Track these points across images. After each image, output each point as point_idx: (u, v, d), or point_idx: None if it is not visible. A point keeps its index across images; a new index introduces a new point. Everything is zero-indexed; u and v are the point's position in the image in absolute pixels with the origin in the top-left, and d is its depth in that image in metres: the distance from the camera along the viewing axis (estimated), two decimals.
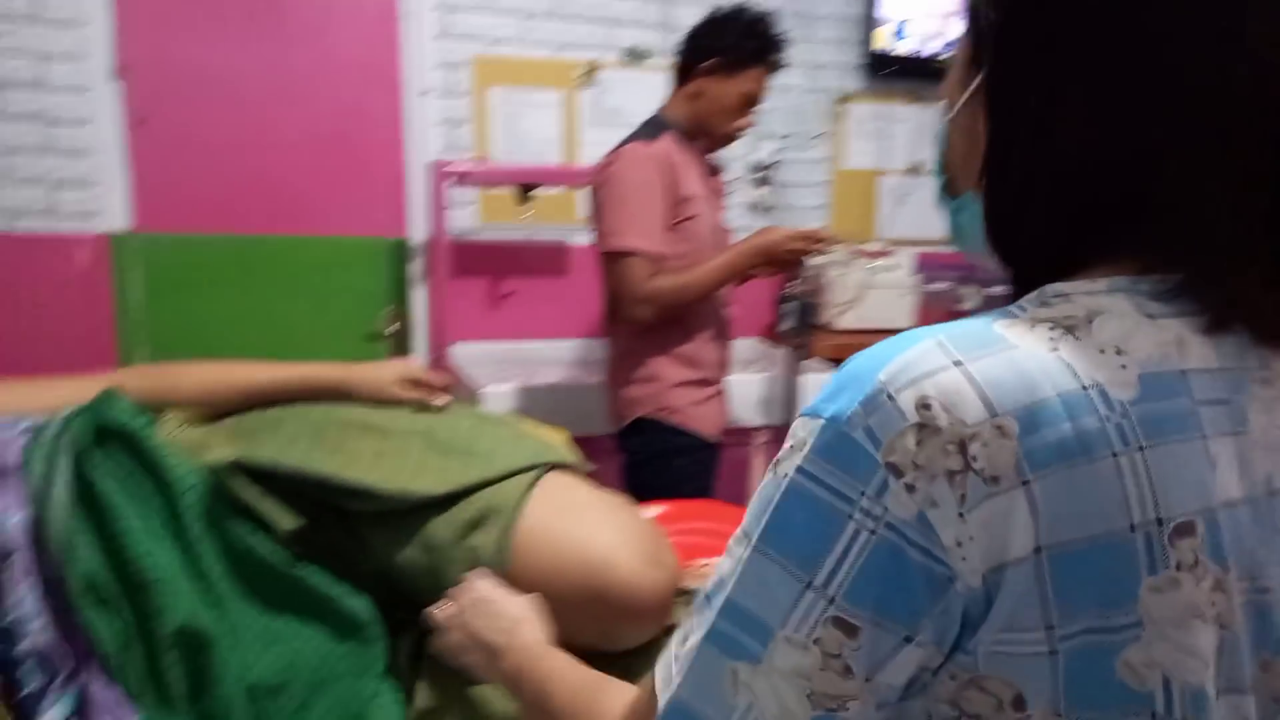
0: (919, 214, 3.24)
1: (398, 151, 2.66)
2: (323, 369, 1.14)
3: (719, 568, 0.53)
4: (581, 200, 2.82)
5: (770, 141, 3.03)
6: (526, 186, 2.48)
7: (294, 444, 0.95)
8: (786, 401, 2.30)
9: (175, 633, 0.81)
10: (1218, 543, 0.48)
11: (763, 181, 3.15)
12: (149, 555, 0.83)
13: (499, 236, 2.77)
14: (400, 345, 2.77)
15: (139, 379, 1.06)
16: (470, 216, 2.72)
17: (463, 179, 2.38)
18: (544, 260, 2.87)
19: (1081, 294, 0.51)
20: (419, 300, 2.76)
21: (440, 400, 1.14)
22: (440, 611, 0.85)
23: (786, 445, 0.51)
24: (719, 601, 0.52)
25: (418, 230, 2.72)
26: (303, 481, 0.91)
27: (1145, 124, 0.50)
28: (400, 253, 2.73)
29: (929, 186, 3.17)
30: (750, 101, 1.93)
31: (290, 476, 0.91)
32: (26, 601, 0.79)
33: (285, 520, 0.90)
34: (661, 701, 0.53)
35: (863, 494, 0.47)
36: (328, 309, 2.71)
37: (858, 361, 0.50)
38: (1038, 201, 0.53)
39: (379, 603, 0.92)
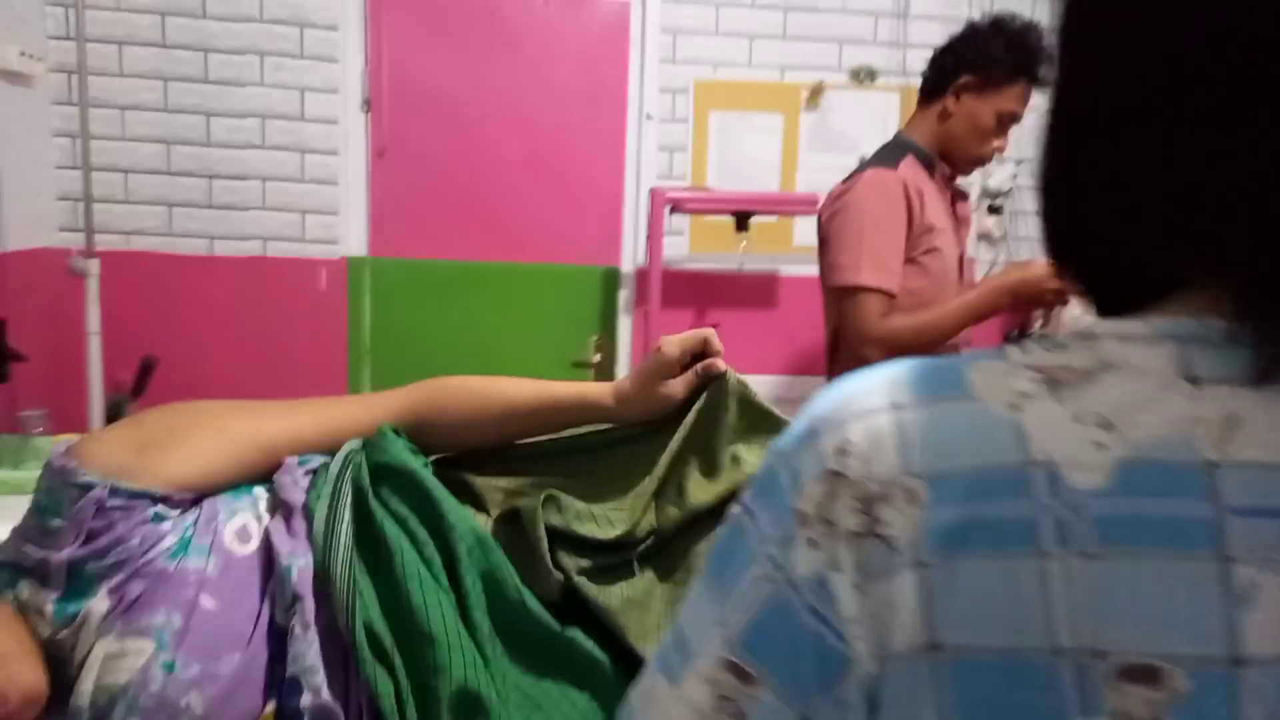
0: None
1: (618, 178, 2.65)
2: (598, 391, 0.98)
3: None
4: (799, 229, 2.70)
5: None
6: (743, 215, 2.38)
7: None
8: None
9: (454, 695, 0.76)
10: (1219, 712, 0.34)
11: (994, 209, 2.91)
12: (434, 607, 0.79)
13: (709, 267, 2.70)
14: (604, 374, 2.76)
15: (417, 398, 1.02)
16: (680, 245, 2.67)
17: (678, 206, 2.32)
18: (754, 291, 2.77)
19: (1112, 337, 0.39)
20: (624, 329, 2.74)
21: (717, 363, 0.94)
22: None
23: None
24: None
25: (629, 258, 2.70)
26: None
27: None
28: (611, 280, 2.72)
29: None
30: (1008, 121, 1.74)
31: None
32: (310, 653, 0.76)
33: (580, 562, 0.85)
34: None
35: (773, 539, 0.42)
36: (537, 334, 2.74)
37: (821, 394, 0.45)
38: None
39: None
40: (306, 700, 0.74)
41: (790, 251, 2.73)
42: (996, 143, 1.76)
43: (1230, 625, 0.35)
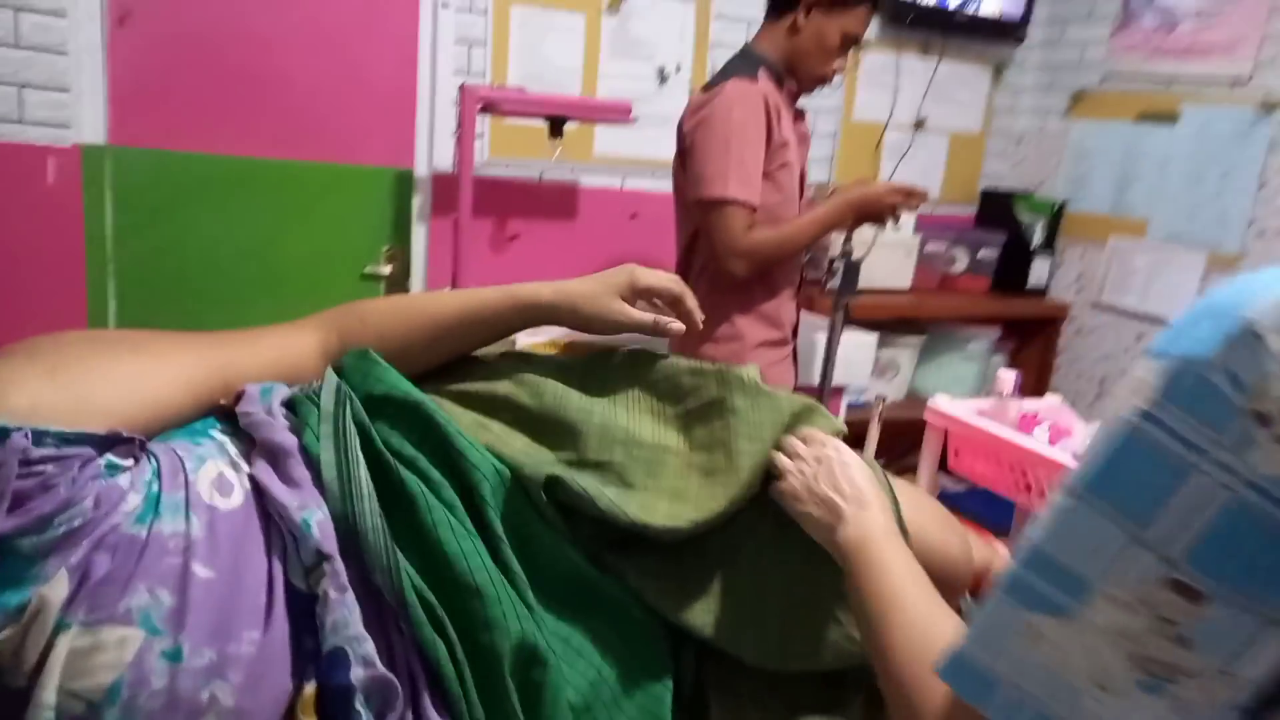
0: (920, 171, 3.20)
1: (410, 70, 2.40)
2: (531, 289, 0.91)
3: (1040, 516, 0.49)
4: (600, 138, 2.64)
5: None
6: (557, 120, 2.28)
7: (602, 473, 0.80)
8: (828, 363, 2.22)
9: (514, 649, 0.67)
10: None
11: None
12: (472, 555, 0.68)
13: (510, 173, 2.57)
14: (396, 287, 2.55)
15: (335, 322, 0.87)
16: (476, 149, 2.50)
17: (491, 107, 2.16)
18: (554, 202, 2.68)
19: None
20: (419, 238, 2.54)
21: (676, 325, 0.95)
22: (787, 458, 0.82)
23: (1124, 389, 0.46)
24: (1024, 552, 0.48)
25: (423, 160, 2.48)
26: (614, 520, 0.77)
27: None
28: (404, 185, 2.49)
29: (930, 143, 3.16)
30: (850, 42, 1.81)
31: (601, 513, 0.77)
32: (354, 619, 0.63)
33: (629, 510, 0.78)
34: (943, 658, 0.50)
35: (1218, 444, 0.41)
36: (317, 243, 2.45)
37: (1217, 296, 0.45)
38: None
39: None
40: (358, 674, 0.63)
41: (591, 161, 2.67)
42: (838, 63, 1.83)
43: None
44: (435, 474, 0.71)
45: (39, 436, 0.57)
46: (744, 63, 1.80)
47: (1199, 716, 0.42)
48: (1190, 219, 2.78)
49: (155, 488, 0.62)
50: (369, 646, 0.64)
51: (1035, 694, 0.46)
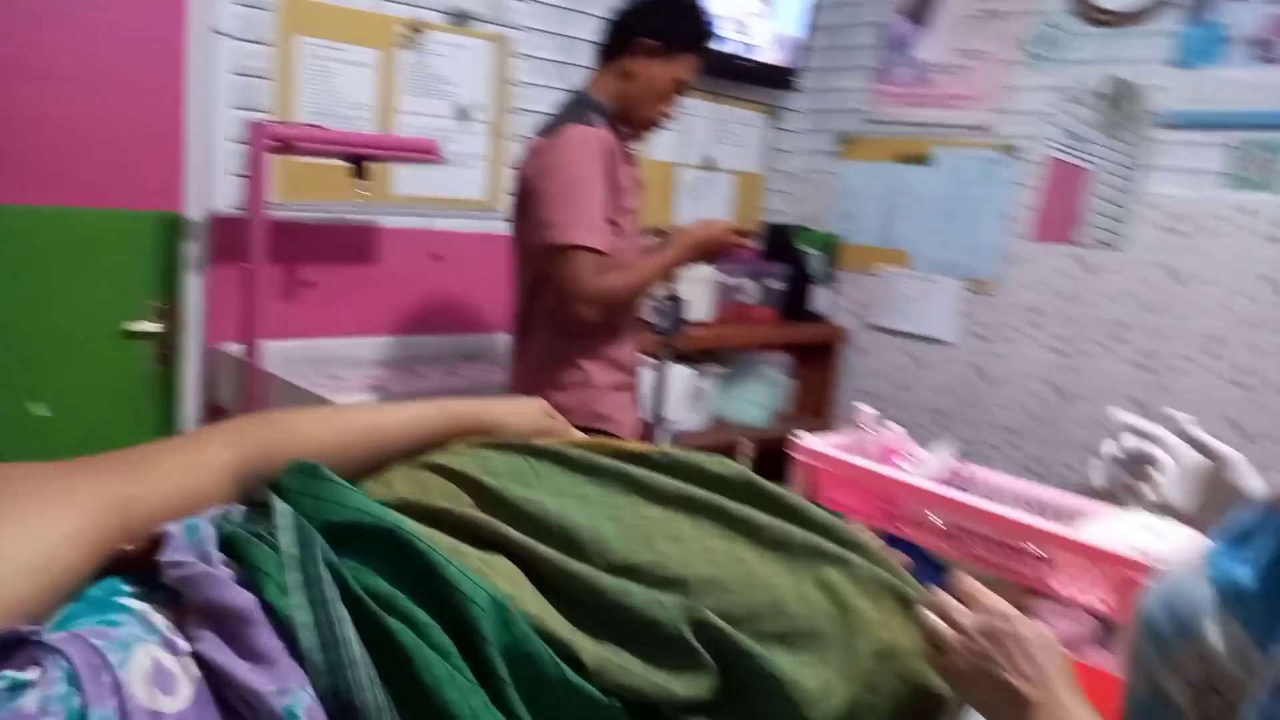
0: (711, 207, 3.34)
1: (176, 104, 2.14)
2: (467, 405, 0.86)
3: None
4: (400, 177, 2.50)
5: None
6: (360, 159, 2.12)
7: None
8: (659, 399, 2.23)
9: None
10: None
11: None
12: (485, 713, 0.56)
13: (301, 216, 2.36)
14: (165, 347, 2.25)
15: (251, 437, 0.71)
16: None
17: (288, 145, 1.97)
18: (352, 245, 2.50)
19: None
20: (194, 290, 2.26)
21: (577, 434, 0.93)
22: (953, 634, 0.70)
23: None
24: None
25: (196, 202, 2.21)
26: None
27: None
28: (172, 230, 2.21)
29: (718, 182, 3.30)
30: (681, 87, 1.83)
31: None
32: None
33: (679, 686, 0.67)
34: None
35: None
36: (66, 298, 2.11)
37: None
38: None
39: None
40: None
41: (391, 201, 2.52)
42: (669, 107, 1.84)
43: None
44: (420, 615, 0.58)
45: None
46: (580, 108, 1.78)
47: None
48: (947, 249, 3.10)
49: (76, 702, 0.45)
50: None
51: None
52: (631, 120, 1.84)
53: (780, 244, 3.41)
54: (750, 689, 0.69)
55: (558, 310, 1.73)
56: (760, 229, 1.95)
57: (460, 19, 2.55)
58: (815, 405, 3.43)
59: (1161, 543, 1.20)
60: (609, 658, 0.66)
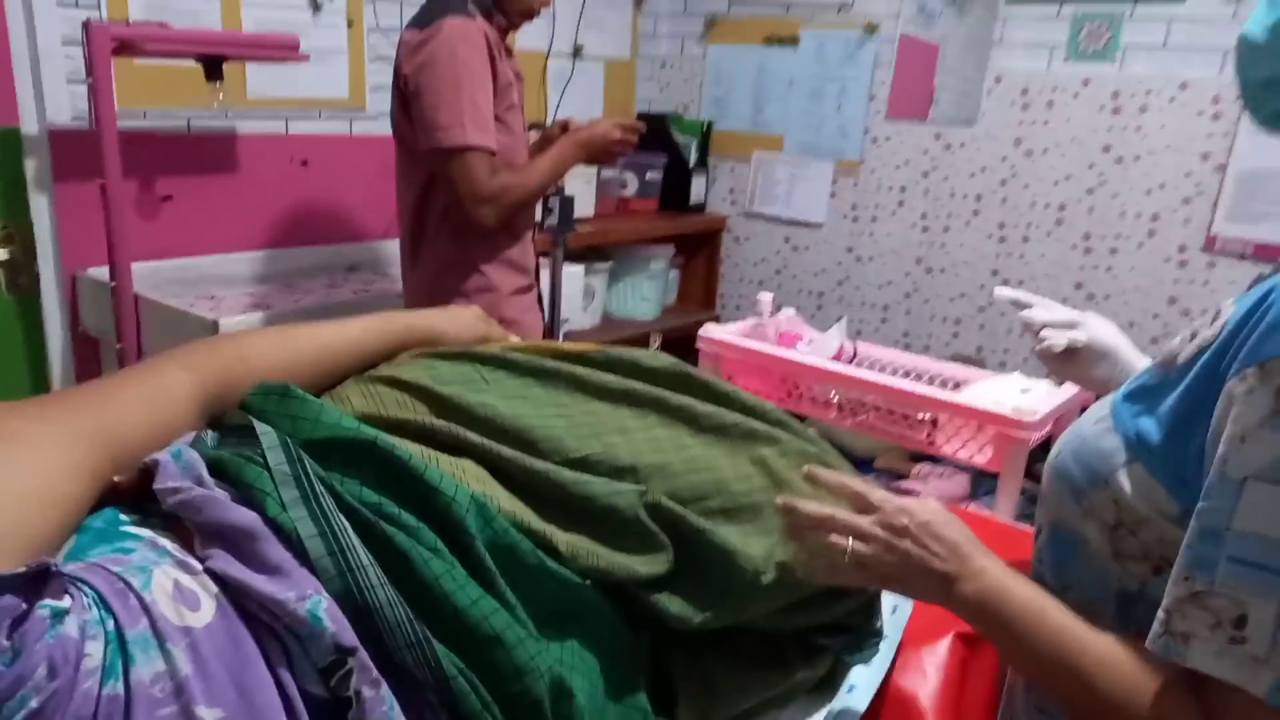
0: (583, 98, 3.28)
1: None
2: (407, 317, 0.89)
3: (1247, 524, 0.54)
4: (253, 79, 2.33)
5: None
6: (214, 60, 1.97)
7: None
8: (554, 300, 2.25)
9: (551, 688, 0.61)
10: None
11: None
12: (483, 601, 0.60)
13: (150, 125, 2.18)
14: (18, 270, 2.08)
15: (204, 363, 0.71)
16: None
17: (129, 47, 1.80)
18: (209, 154, 2.33)
19: None
20: (42, 209, 2.08)
21: (514, 338, 0.96)
22: (856, 536, 0.73)
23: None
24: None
25: (31, 115, 2.01)
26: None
27: None
28: (10, 147, 2.01)
29: (589, 69, 3.23)
30: None
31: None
32: (394, 716, 0.53)
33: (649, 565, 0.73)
34: (1261, 686, 0.54)
35: None
36: None
37: None
38: None
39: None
40: None
41: (247, 105, 2.35)
42: None
43: None
44: (409, 518, 0.62)
45: None
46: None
47: None
48: (817, 132, 3.18)
49: (110, 625, 0.47)
50: None
51: None
52: (506, 9, 1.77)
53: (655, 133, 3.40)
54: (704, 561, 0.76)
55: (453, 215, 1.70)
56: (639, 124, 1.93)
57: None
58: (701, 295, 3.52)
59: (1031, 400, 1.34)
60: (579, 544, 0.72)
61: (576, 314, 2.78)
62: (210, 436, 0.67)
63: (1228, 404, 0.57)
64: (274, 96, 2.40)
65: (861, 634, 0.88)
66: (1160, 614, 0.59)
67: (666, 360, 0.88)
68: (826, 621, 0.85)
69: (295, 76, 2.38)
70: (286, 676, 0.53)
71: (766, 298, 1.60)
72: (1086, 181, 2.68)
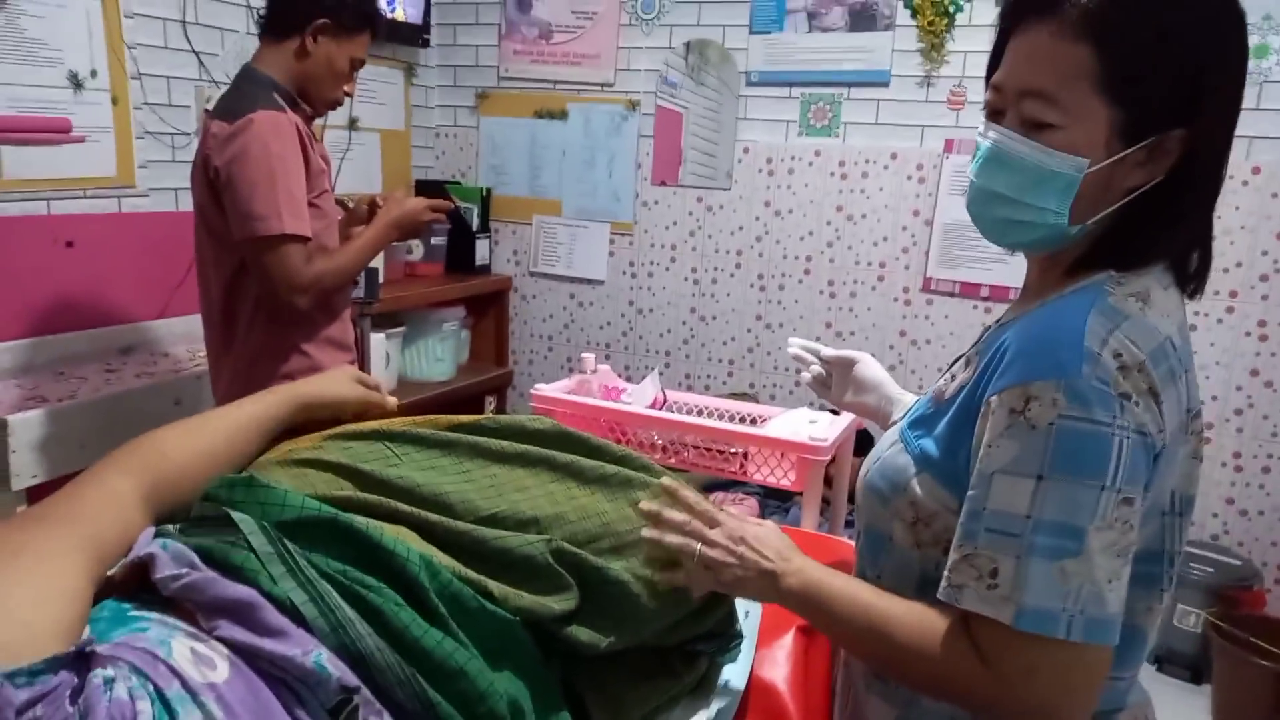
0: (362, 167, 3.32)
1: None
2: (294, 390, 0.96)
3: (995, 504, 0.75)
4: (9, 159, 2.18)
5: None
6: None
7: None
8: (363, 366, 2.28)
9: (510, 707, 0.72)
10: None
11: None
12: (445, 642, 0.70)
13: None
14: None
15: (137, 466, 0.75)
16: None
17: None
18: None
19: (1134, 277, 0.81)
20: None
21: (391, 401, 1.05)
22: (704, 542, 0.89)
23: (1026, 407, 0.74)
24: (1028, 527, 0.72)
25: None
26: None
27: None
28: None
29: (366, 140, 3.28)
30: (357, 66, 1.86)
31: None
32: None
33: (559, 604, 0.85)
34: (1009, 614, 0.74)
35: (1115, 417, 0.72)
36: None
37: (1054, 338, 0.75)
38: (1181, 237, 0.82)
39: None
40: None
41: (3, 187, 2.19)
42: (348, 85, 1.86)
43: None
44: (370, 580, 0.72)
45: (9, 677, 0.48)
46: (258, 88, 1.72)
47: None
48: (592, 197, 3.43)
49: (151, 688, 0.55)
50: None
51: (1081, 608, 0.71)
52: (311, 99, 1.83)
53: (433, 199, 3.49)
54: (602, 594, 0.90)
55: (265, 301, 1.72)
56: (446, 203, 2.04)
57: None
58: (493, 353, 3.63)
59: (821, 430, 1.60)
60: (507, 589, 0.83)
61: (380, 378, 2.79)
62: (173, 529, 0.73)
63: (982, 423, 0.80)
64: (34, 177, 2.25)
65: (726, 638, 1.06)
66: (945, 574, 0.80)
67: (547, 423, 1.02)
68: (701, 633, 1.01)
69: (57, 155, 2.25)
70: (303, 716, 0.62)
71: (589, 358, 1.77)
72: (826, 236, 3.12)
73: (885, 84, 2.95)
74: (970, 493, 0.79)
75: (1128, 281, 0.80)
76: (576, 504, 0.94)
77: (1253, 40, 2.65)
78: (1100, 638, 0.73)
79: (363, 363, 2.27)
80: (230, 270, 1.74)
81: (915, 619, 0.82)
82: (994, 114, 0.84)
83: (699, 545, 0.90)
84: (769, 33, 3.08)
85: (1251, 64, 2.51)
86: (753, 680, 1.06)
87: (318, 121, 1.97)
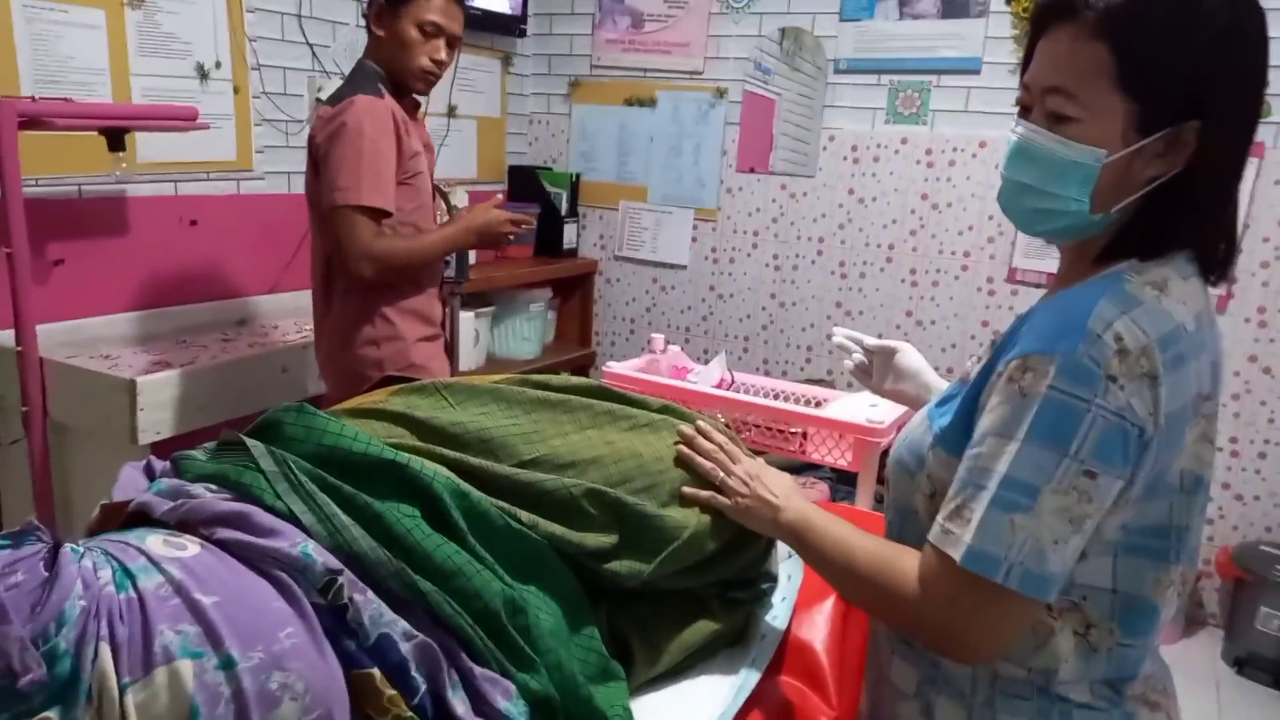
0: (457, 154, 3.47)
1: None
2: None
3: (979, 460, 0.80)
4: (143, 146, 2.40)
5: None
6: (116, 131, 2.05)
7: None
8: (453, 344, 2.42)
9: (506, 604, 0.83)
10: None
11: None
12: (446, 545, 0.83)
13: (41, 192, 2.22)
14: None
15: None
16: None
17: (39, 121, 1.86)
18: (100, 218, 2.38)
19: (1155, 266, 0.84)
20: None
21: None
22: (720, 474, 1.05)
23: (1023, 377, 0.79)
24: (994, 479, 0.79)
25: None
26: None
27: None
28: None
29: (463, 127, 3.43)
30: (433, 29, 1.86)
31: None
32: (384, 609, 0.75)
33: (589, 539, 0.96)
34: (958, 552, 0.80)
35: (1095, 395, 0.76)
36: None
37: (1063, 318, 0.80)
38: (1199, 227, 0.86)
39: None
40: (405, 648, 0.76)
41: (137, 168, 2.41)
42: (429, 53, 1.87)
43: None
44: (389, 499, 0.85)
45: None
46: (364, 77, 1.87)
47: (1087, 540, 0.79)
48: (678, 183, 3.51)
49: (115, 563, 0.68)
50: (404, 624, 0.77)
51: (1022, 559, 0.78)
52: (404, 79, 1.90)
53: (526, 184, 3.63)
54: (640, 530, 1.00)
55: (340, 268, 1.84)
56: (529, 218, 2.13)
57: None
58: (577, 334, 3.75)
59: (879, 413, 1.65)
60: (537, 518, 0.95)
61: (467, 356, 2.94)
62: (203, 453, 0.88)
63: (988, 392, 0.85)
64: (164, 160, 2.47)
65: (757, 585, 1.14)
66: (938, 519, 0.85)
67: (590, 380, 1.14)
68: (732, 576, 1.09)
69: (184, 140, 2.46)
70: (291, 584, 0.73)
71: (659, 339, 1.85)
72: (910, 224, 3.11)
73: (977, 71, 2.92)
74: (968, 450, 0.85)
75: (1147, 270, 0.83)
76: (612, 448, 1.04)
77: None
78: (1032, 590, 0.79)
79: (452, 340, 2.41)
80: (327, 244, 1.88)
81: (875, 547, 0.92)
82: (1023, 111, 0.89)
83: (721, 473, 1.05)
84: (859, 19, 3.08)
85: None
86: (790, 639, 1.13)
87: (422, 107, 2.07)
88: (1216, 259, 0.87)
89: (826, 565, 0.96)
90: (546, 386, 1.10)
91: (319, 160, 1.83)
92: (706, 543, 1.03)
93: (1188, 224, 0.84)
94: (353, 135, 1.77)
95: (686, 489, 1.04)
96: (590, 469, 1.01)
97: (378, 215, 1.81)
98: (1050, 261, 2.86)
